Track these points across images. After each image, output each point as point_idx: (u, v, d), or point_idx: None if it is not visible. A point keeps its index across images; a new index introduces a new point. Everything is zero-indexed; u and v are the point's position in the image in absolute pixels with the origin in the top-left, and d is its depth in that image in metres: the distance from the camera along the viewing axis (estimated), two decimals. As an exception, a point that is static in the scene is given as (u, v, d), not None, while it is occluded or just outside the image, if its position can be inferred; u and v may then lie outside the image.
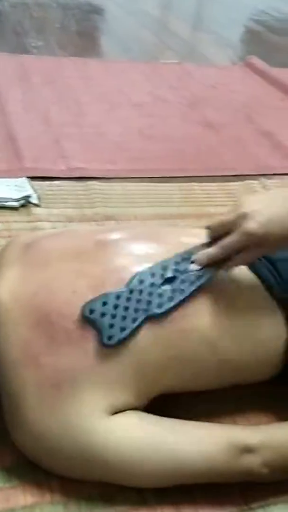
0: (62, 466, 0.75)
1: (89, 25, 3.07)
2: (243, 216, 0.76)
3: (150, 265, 0.81)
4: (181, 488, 0.76)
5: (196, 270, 0.80)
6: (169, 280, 0.79)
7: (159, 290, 0.78)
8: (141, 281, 0.78)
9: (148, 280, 0.78)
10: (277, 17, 3.64)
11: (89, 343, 0.74)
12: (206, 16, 3.72)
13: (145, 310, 0.76)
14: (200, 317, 0.80)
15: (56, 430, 0.73)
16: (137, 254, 0.85)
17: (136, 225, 1.30)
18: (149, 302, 0.77)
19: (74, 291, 0.78)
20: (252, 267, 0.88)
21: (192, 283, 0.79)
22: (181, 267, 0.80)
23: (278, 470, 0.77)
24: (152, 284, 0.78)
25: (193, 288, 0.79)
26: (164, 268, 0.80)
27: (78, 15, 3.04)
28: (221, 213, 1.40)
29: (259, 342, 0.84)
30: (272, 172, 1.71)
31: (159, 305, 0.77)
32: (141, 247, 0.87)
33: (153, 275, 0.79)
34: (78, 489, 0.76)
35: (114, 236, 0.90)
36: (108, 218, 1.37)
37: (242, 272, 0.87)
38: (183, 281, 0.79)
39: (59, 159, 1.59)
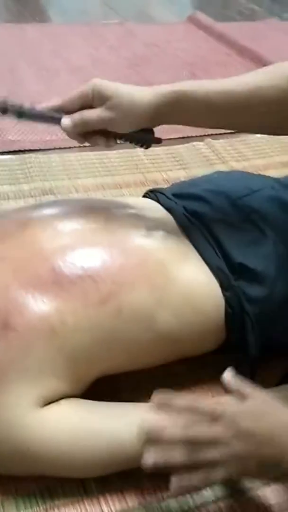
0: (-5, 463, 0.71)
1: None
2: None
3: (75, 243, 0.76)
4: (126, 475, 0.72)
5: None
6: None
7: None
8: None
9: None
10: None
11: (11, 332, 0.69)
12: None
13: None
14: (131, 291, 0.75)
15: (-16, 426, 0.68)
16: (62, 232, 0.79)
17: (71, 199, 1.23)
18: None
19: (-7, 276, 0.72)
20: (186, 231, 0.84)
21: None
22: None
23: None
24: None
25: None
26: None
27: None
28: (167, 178, 1.41)
29: (198, 312, 0.80)
30: (219, 132, 1.63)
31: None
32: (67, 224, 0.81)
33: None
34: (15, 486, 0.71)
35: (39, 213, 0.84)
36: (47, 192, 1.30)
37: (174, 238, 0.82)
38: None
39: (-8, 133, 1.51)
